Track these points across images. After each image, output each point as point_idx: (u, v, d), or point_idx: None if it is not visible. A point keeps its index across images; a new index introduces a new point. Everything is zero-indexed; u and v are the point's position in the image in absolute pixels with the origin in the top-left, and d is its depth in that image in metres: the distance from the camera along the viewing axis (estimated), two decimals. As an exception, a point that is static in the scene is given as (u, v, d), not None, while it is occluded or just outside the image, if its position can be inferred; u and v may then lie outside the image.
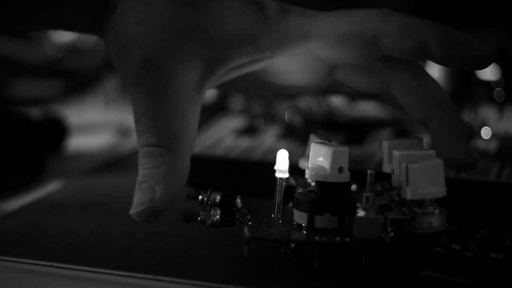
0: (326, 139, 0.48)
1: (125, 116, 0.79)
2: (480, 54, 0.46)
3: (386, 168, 0.48)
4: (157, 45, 0.46)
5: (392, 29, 0.46)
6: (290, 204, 0.47)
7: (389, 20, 0.46)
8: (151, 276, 0.44)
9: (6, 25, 0.52)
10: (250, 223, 0.45)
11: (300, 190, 0.49)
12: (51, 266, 0.45)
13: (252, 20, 0.47)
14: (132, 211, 0.45)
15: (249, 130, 0.64)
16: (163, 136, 0.45)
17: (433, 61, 0.46)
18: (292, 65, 0.49)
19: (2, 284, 0.45)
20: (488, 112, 0.67)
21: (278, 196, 0.46)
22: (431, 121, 0.49)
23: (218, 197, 0.47)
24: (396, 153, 0.46)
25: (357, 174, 0.49)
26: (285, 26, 0.47)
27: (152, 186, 0.45)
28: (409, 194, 0.44)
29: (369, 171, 0.45)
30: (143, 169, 0.46)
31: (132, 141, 0.72)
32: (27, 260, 0.46)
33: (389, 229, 0.44)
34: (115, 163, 0.66)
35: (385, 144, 0.48)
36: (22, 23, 0.51)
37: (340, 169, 0.45)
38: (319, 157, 0.45)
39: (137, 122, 0.46)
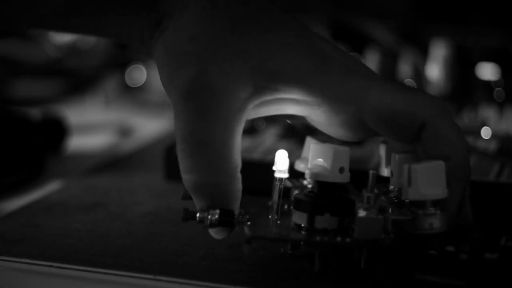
0: (323, 141, 0.48)
1: (125, 116, 0.79)
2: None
3: (383, 172, 0.48)
4: (211, 60, 0.45)
5: (437, 131, 0.45)
6: (286, 207, 0.47)
7: (441, 120, 0.45)
8: (151, 276, 0.44)
9: (68, 30, 0.52)
10: (249, 222, 0.45)
11: (296, 192, 0.49)
12: (51, 266, 0.45)
13: (311, 63, 0.45)
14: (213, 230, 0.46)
15: (249, 130, 0.64)
16: (214, 168, 0.45)
17: None
18: (332, 120, 0.47)
19: (2, 284, 0.45)
20: (488, 112, 0.68)
21: (276, 197, 0.46)
22: None
23: None
24: (395, 155, 0.46)
25: (357, 174, 0.49)
26: (346, 81, 0.45)
27: (222, 229, 0.45)
28: (410, 195, 0.44)
29: (371, 172, 0.45)
30: (201, 207, 0.45)
31: (132, 141, 0.72)
32: (27, 260, 0.46)
33: (390, 230, 0.44)
34: (115, 163, 0.66)
35: (382, 148, 0.48)
36: (78, 30, 0.51)
37: (341, 169, 0.45)
38: (319, 157, 0.45)
39: (182, 141, 0.45)
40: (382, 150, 0.48)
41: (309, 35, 0.46)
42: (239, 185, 0.45)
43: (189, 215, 0.46)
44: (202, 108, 0.44)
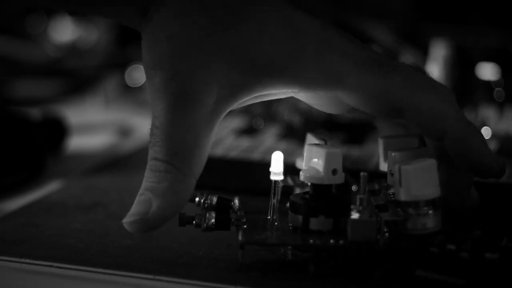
0: (323, 139, 0.48)
1: (125, 116, 0.79)
2: (487, 170, 0.45)
3: (383, 167, 0.48)
4: (184, 63, 0.45)
5: (418, 109, 0.45)
6: (287, 205, 0.48)
7: (420, 98, 0.45)
8: (151, 276, 0.44)
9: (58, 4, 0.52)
10: (245, 226, 0.45)
11: (297, 190, 0.49)
12: (51, 266, 0.45)
13: (286, 51, 0.46)
14: (125, 220, 0.45)
15: (249, 130, 0.64)
16: (172, 152, 0.45)
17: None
18: (313, 99, 0.48)
19: (2, 284, 0.45)
20: (488, 112, 0.68)
21: (274, 198, 0.46)
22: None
23: (214, 200, 0.47)
24: (391, 154, 0.46)
25: (357, 174, 0.49)
26: (320, 68, 0.45)
27: (150, 200, 0.45)
28: (402, 196, 0.44)
29: (362, 174, 0.45)
30: (146, 181, 0.46)
31: (132, 141, 0.72)
32: (27, 260, 0.46)
33: (384, 231, 0.44)
34: (115, 163, 0.66)
35: (381, 142, 0.48)
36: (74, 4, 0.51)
37: (334, 171, 0.45)
38: (313, 158, 0.45)
39: (151, 134, 0.46)
40: (380, 145, 0.48)
41: (286, 12, 0.46)
42: (191, 185, 0.46)
43: (185, 220, 0.46)
44: (171, 107, 0.45)
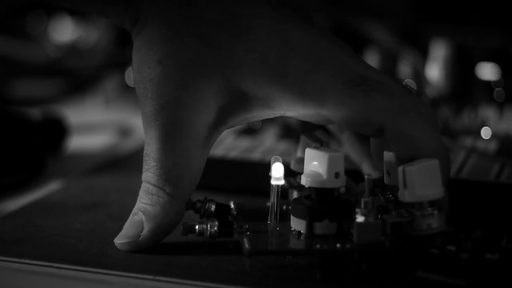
0: (317, 141, 0.48)
1: (125, 116, 0.79)
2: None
3: (386, 180, 0.48)
4: (173, 91, 0.46)
5: (395, 131, 0.45)
6: (285, 207, 0.48)
7: (397, 121, 0.45)
8: (151, 276, 0.44)
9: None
10: (248, 232, 0.45)
11: (294, 192, 0.49)
12: (51, 266, 0.45)
13: (271, 75, 0.46)
14: (117, 240, 0.47)
15: (249, 130, 0.64)
16: (164, 179, 0.46)
17: None
18: (299, 115, 0.48)
19: (2, 284, 0.45)
20: (488, 112, 0.68)
21: (274, 202, 0.46)
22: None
23: (213, 207, 0.47)
24: (387, 153, 0.46)
25: (355, 174, 0.49)
26: (303, 91, 0.46)
27: (142, 222, 0.47)
28: (407, 197, 0.43)
29: (366, 176, 0.45)
30: (140, 202, 0.47)
31: (132, 141, 0.72)
32: (27, 260, 0.46)
33: (389, 233, 0.44)
34: (115, 163, 0.66)
35: (373, 142, 0.48)
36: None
37: (337, 174, 0.45)
38: (314, 162, 0.45)
39: (144, 159, 0.47)
40: (372, 146, 0.48)
41: (277, 26, 0.46)
42: (182, 209, 0.47)
43: (189, 229, 0.46)
44: (162, 136, 0.46)
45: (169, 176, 0.46)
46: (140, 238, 0.47)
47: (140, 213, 0.47)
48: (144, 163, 0.47)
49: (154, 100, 0.46)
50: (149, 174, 0.47)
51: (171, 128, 0.46)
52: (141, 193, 0.47)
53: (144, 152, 0.47)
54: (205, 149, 0.47)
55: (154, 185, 0.46)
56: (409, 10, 0.98)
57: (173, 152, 0.46)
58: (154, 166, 0.46)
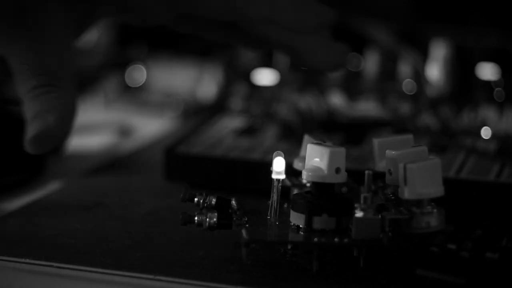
0: (321, 140, 0.48)
1: (125, 116, 0.79)
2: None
3: (379, 167, 0.48)
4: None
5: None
6: (286, 205, 0.48)
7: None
8: (151, 276, 0.44)
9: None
10: (247, 225, 0.45)
11: (295, 191, 0.49)
12: (51, 266, 0.45)
13: None
14: (27, 137, 0.48)
15: (249, 130, 0.64)
16: (46, 76, 0.48)
17: None
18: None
19: (2, 284, 0.45)
20: (488, 112, 0.68)
21: (274, 197, 0.46)
22: None
23: (213, 200, 0.47)
24: (390, 153, 0.46)
25: (357, 174, 0.49)
26: None
27: (45, 116, 0.48)
28: (407, 194, 0.44)
29: (367, 172, 0.45)
30: (32, 110, 0.49)
31: (132, 141, 0.72)
32: (27, 260, 0.46)
33: (387, 229, 0.44)
34: (115, 163, 0.66)
35: (375, 143, 0.48)
36: None
37: (337, 170, 0.45)
38: (316, 157, 0.45)
39: (19, 73, 0.49)
40: (375, 145, 0.48)
41: None
42: (74, 94, 0.50)
43: (188, 219, 0.46)
44: (30, 40, 0.49)
45: (50, 72, 0.49)
46: (50, 126, 0.48)
47: (39, 114, 0.48)
48: (22, 76, 0.49)
49: (11, 7, 0.49)
50: (31, 80, 0.49)
51: (37, 30, 0.49)
52: (29, 103, 0.49)
53: (17, 66, 0.50)
54: (72, 42, 0.51)
55: (37, 86, 0.48)
56: (409, 10, 0.98)
57: (44, 51, 0.49)
58: (34, 69, 0.49)
